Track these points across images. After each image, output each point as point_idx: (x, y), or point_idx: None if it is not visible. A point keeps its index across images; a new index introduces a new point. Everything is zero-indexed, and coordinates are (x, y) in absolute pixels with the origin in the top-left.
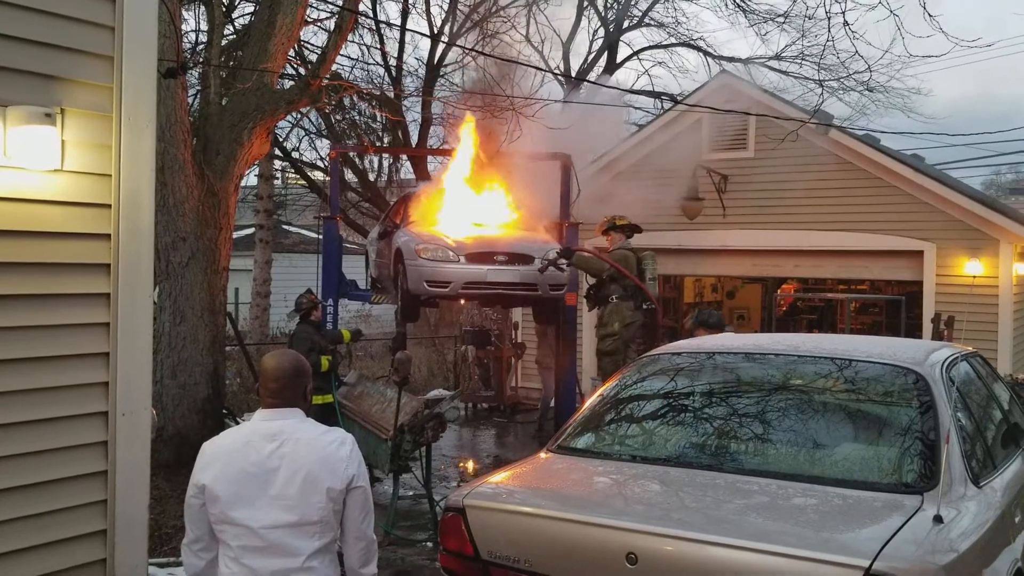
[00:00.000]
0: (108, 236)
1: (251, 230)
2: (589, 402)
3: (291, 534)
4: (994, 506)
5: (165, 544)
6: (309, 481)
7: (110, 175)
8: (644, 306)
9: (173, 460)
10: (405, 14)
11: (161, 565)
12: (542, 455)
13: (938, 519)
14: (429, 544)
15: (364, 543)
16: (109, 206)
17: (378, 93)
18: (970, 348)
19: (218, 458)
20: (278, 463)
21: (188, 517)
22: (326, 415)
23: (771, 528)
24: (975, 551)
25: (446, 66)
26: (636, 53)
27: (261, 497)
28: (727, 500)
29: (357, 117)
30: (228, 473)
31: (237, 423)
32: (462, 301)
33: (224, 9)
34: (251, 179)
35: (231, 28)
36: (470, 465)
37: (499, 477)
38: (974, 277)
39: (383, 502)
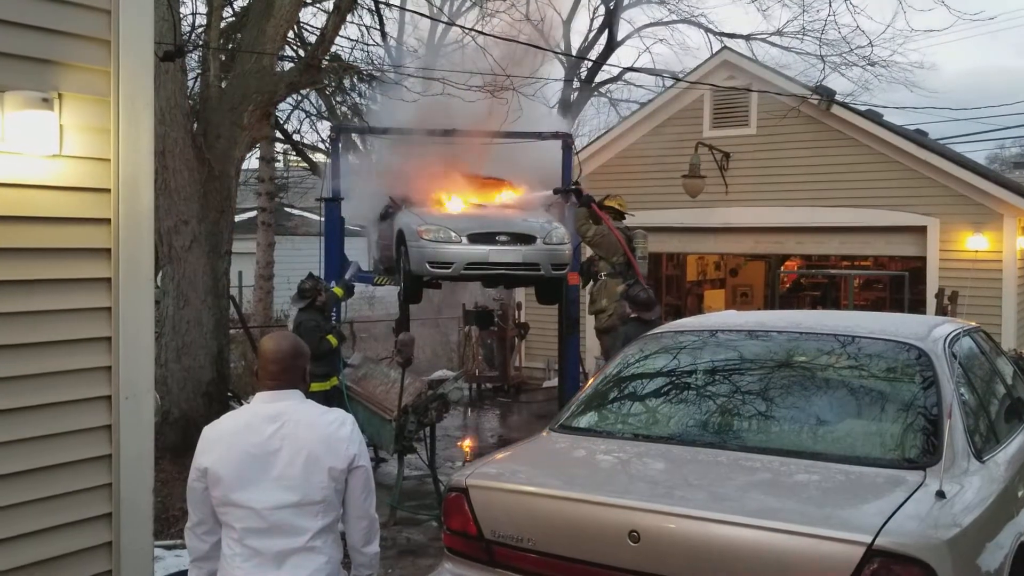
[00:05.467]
0: (108, 221)
1: (253, 213)
2: (592, 381)
3: (294, 514)
4: (997, 480)
5: (172, 526)
6: (311, 461)
7: (109, 159)
8: (629, 283)
9: (179, 443)
10: None
11: (168, 547)
12: (544, 434)
13: (941, 494)
14: (434, 523)
15: (366, 522)
16: (108, 190)
17: (378, 74)
18: (973, 323)
19: (219, 441)
20: (279, 444)
21: (191, 501)
22: (332, 399)
23: (773, 505)
24: (978, 525)
25: (446, 46)
26: (637, 31)
27: (263, 479)
28: (729, 477)
29: (358, 99)
30: (230, 456)
31: (242, 405)
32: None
33: None
34: (252, 162)
35: (230, 10)
36: (474, 445)
37: (501, 457)
38: (976, 252)
39: (388, 483)
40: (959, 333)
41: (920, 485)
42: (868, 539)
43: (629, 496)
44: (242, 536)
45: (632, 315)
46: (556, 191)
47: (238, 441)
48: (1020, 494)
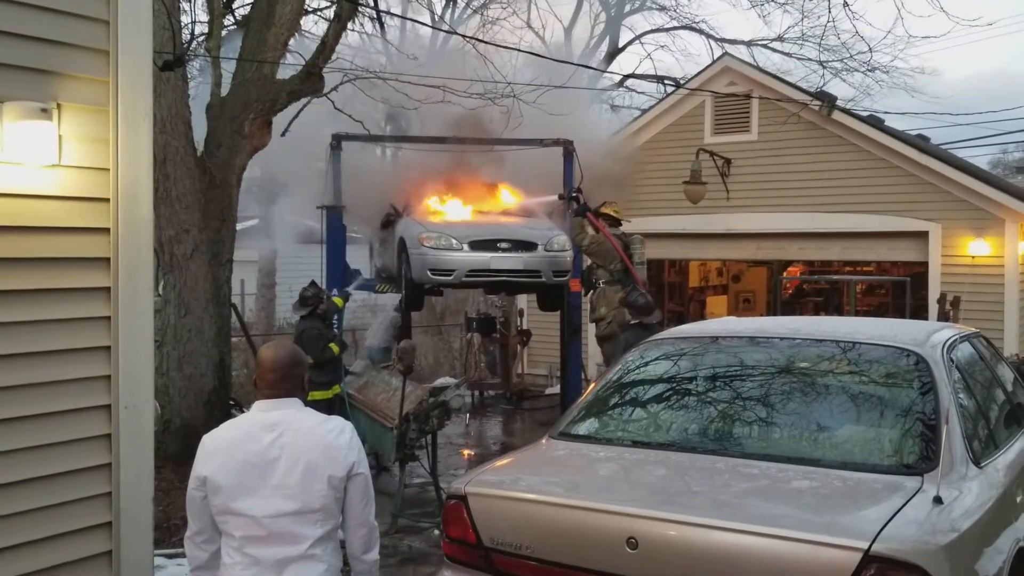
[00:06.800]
0: (107, 230)
1: (256, 221)
2: (591, 388)
3: (293, 522)
4: (996, 486)
5: (174, 535)
6: (310, 469)
7: (108, 169)
8: (627, 289)
9: (181, 452)
10: (407, 2)
11: (169, 556)
12: (543, 442)
13: (938, 500)
14: (436, 532)
15: (366, 529)
16: (107, 200)
17: (380, 81)
18: (972, 328)
19: (218, 450)
20: (278, 453)
21: (190, 509)
22: (335, 407)
23: (771, 511)
24: (976, 531)
25: (449, 53)
26: (638, 37)
27: (263, 487)
28: (727, 484)
29: (359, 106)
30: (229, 464)
31: (243, 413)
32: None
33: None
34: (255, 170)
35: (231, 19)
36: (476, 452)
37: (500, 464)
38: (973, 257)
39: (390, 491)
40: (958, 339)
41: (917, 491)
42: (865, 545)
43: (626, 503)
44: (242, 544)
45: (632, 321)
46: (561, 196)
47: (237, 450)
48: (1019, 499)
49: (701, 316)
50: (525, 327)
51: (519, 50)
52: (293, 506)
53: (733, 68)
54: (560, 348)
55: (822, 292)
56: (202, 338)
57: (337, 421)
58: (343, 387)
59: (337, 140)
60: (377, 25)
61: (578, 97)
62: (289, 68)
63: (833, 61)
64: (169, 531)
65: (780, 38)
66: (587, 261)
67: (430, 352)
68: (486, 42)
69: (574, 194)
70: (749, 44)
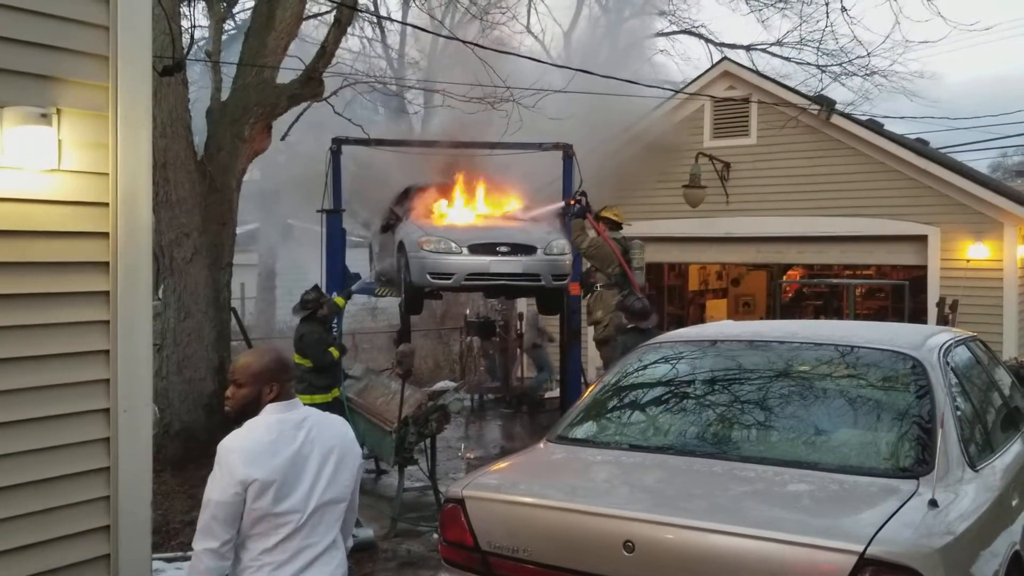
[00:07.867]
0: (106, 234)
1: (256, 224)
2: (589, 392)
3: (326, 514)
4: (992, 489)
5: (172, 539)
6: (339, 461)
7: (107, 174)
8: (624, 293)
9: (180, 456)
10: (406, 6)
11: (168, 560)
12: (541, 445)
13: (933, 503)
14: (435, 536)
15: (354, 515)
16: (107, 204)
17: (380, 85)
18: (969, 332)
19: (262, 452)
20: (311, 448)
21: (225, 519)
22: (334, 411)
23: (766, 515)
24: (971, 534)
25: (449, 56)
26: (638, 42)
27: (302, 484)
28: (723, 488)
29: (359, 110)
30: (273, 467)
31: None
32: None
33: (225, 5)
34: (255, 173)
35: (232, 24)
36: (476, 456)
37: (497, 468)
38: (968, 260)
39: (389, 495)
40: (954, 342)
41: (913, 494)
42: (860, 548)
43: (623, 506)
44: (279, 543)
45: (629, 325)
46: (569, 203)
47: (278, 450)
48: (1015, 503)
49: (701, 319)
50: (525, 331)
51: (517, 55)
52: (329, 497)
53: (732, 72)
54: (560, 352)
55: (821, 296)
56: (202, 342)
57: (336, 416)
58: (342, 391)
59: (337, 144)
60: (377, 29)
61: (591, 92)
62: (289, 72)
63: (832, 65)
64: (168, 535)
65: (779, 43)
66: (586, 264)
67: (429, 356)
68: (485, 47)
69: (579, 197)
70: (748, 49)
